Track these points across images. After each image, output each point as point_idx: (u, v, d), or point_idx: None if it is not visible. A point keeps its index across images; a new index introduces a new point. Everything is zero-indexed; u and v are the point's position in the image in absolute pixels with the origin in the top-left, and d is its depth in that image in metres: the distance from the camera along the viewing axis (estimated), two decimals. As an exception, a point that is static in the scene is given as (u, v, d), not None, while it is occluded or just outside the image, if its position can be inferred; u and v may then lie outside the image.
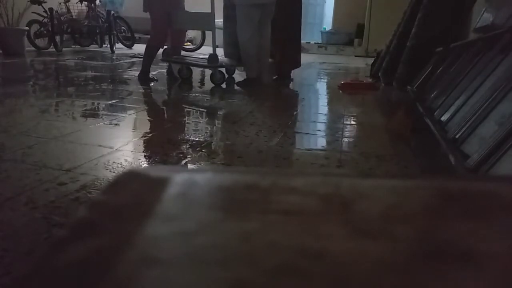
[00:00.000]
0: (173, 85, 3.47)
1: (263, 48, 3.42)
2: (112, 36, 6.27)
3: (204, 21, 3.35)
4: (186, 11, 3.56)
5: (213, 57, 3.33)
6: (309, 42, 8.41)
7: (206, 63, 3.43)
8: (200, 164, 1.52)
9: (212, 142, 1.77)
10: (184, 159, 1.59)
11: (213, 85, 3.40)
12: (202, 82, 3.69)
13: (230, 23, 3.45)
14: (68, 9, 6.21)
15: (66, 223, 1.02)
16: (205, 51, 4.56)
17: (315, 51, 7.97)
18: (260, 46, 3.36)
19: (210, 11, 3.27)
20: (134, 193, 0.27)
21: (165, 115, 2.52)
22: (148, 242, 0.21)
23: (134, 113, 2.35)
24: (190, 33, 6.55)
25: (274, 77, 3.80)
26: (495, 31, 1.97)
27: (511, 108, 1.25)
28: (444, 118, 1.80)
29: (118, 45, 6.59)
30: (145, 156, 1.61)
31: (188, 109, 2.66)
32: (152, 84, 3.41)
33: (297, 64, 3.99)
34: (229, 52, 3.65)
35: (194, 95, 3.11)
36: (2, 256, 0.86)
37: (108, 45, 6.29)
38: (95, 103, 2.59)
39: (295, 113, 2.64)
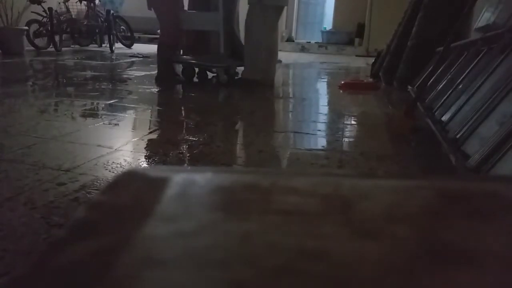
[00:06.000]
0: (176, 85, 3.47)
1: (273, 51, 3.38)
2: (111, 36, 6.27)
3: (211, 21, 3.32)
4: (192, 11, 3.54)
5: (219, 57, 3.32)
6: (310, 42, 8.42)
7: (211, 63, 3.41)
8: (200, 164, 1.52)
9: (212, 142, 1.77)
10: (184, 159, 1.59)
11: (215, 85, 3.39)
12: (204, 82, 3.68)
13: (231, 22, 3.45)
14: (68, 9, 6.20)
15: (65, 223, 1.02)
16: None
17: (315, 51, 7.98)
18: (270, 49, 3.33)
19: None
20: (133, 193, 0.27)
21: (165, 115, 2.52)
22: (147, 242, 0.21)
23: (133, 113, 2.35)
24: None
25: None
26: (496, 31, 1.97)
27: None
28: (444, 118, 1.80)
29: (118, 45, 6.59)
30: (144, 156, 1.60)
31: (188, 109, 2.66)
32: (178, 83, 3.38)
33: None
34: (229, 52, 3.64)
35: (195, 94, 3.11)
36: (1, 256, 0.86)
37: (108, 45, 6.29)
38: (95, 103, 2.59)
39: (295, 113, 2.64)
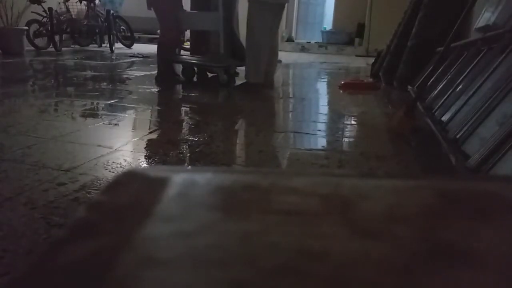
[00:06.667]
0: (176, 85, 3.47)
1: (274, 51, 3.33)
2: (111, 36, 6.27)
3: (210, 21, 3.31)
4: (192, 11, 3.53)
5: (220, 57, 3.31)
6: (310, 42, 8.42)
7: (211, 63, 3.40)
8: (200, 164, 1.52)
9: (212, 142, 1.77)
10: (184, 159, 1.59)
11: (218, 85, 3.38)
12: (204, 82, 3.68)
13: (230, 22, 3.44)
14: (68, 9, 6.20)
15: (66, 223, 1.02)
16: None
17: (315, 51, 7.98)
18: (272, 49, 3.27)
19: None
20: (133, 193, 0.27)
21: (165, 115, 2.52)
22: (147, 242, 0.21)
23: (133, 113, 2.35)
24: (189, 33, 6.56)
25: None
26: (496, 31, 1.97)
27: None
28: (444, 118, 1.80)
29: (118, 45, 6.59)
30: (144, 156, 1.60)
31: (188, 109, 2.66)
32: (179, 83, 3.38)
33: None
34: (228, 53, 3.62)
35: (195, 94, 3.11)
36: (1, 256, 0.86)
37: (108, 45, 6.29)
38: (95, 103, 2.59)
39: (295, 113, 2.64)
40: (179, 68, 3.65)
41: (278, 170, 1.44)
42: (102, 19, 6.47)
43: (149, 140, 1.80)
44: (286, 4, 3.29)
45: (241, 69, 3.44)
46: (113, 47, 6.21)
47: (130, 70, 4.31)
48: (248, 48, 3.21)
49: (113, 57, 5.58)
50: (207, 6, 3.42)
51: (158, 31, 3.81)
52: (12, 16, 5.15)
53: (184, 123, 2.24)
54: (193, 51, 3.85)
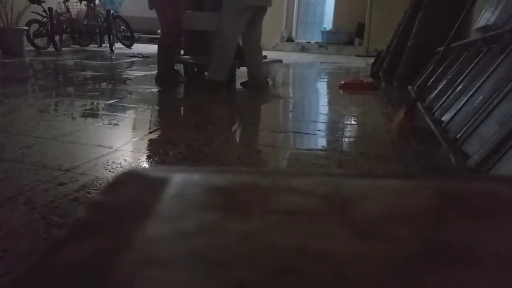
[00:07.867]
0: (176, 84, 3.47)
1: (254, 50, 3.24)
2: (111, 36, 6.27)
3: (212, 21, 3.29)
4: (193, 11, 3.53)
5: None
6: (310, 42, 8.42)
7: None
8: (200, 164, 1.52)
9: (212, 142, 1.77)
10: (184, 159, 1.59)
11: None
12: (204, 82, 3.67)
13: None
14: (68, 9, 6.20)
15: (65, 223, 1.02)
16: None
17: (315, 51, 7.98)
18: (249, 49, 3.18)
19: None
20: (133, 193, 0.27)
21: (165, 115, 2.52)
22: (147, 242, 0.21)
23: (133, 113, 2.35)
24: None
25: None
26: (496, 31, 1.97)
27: None
28: (445, 118, 1.80)
29: (118, 45, 6.59)
30: (144, 156, 1.60)
31: (188, 108, 2.66)
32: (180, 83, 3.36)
33: None
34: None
35: (195, 94, 3.11)
36: (1, 256, 0.86)
37: (108, 45, 6.29)
38: (95, 103, 2.59)
39: (295, 113, 2.64)
40: (180, 67, 3.65)
41: (278, 170, 1.44)
42: (102, 19, 6.47)
43: (149, 140, 1.80)
44: (269, 8, 3.15)
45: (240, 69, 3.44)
46: (113, 47, 6.22)
47: (130, 70, 4.31)
48: (215, 46, 3.06)
49: (113, 57, 5.58)
50: (199, 6, 3.41)
51: (158, 31, 3.80)
52: (12, 16, 5.15)
53: (184, 123, 2.24)
54: (186, 50, 3.81)
